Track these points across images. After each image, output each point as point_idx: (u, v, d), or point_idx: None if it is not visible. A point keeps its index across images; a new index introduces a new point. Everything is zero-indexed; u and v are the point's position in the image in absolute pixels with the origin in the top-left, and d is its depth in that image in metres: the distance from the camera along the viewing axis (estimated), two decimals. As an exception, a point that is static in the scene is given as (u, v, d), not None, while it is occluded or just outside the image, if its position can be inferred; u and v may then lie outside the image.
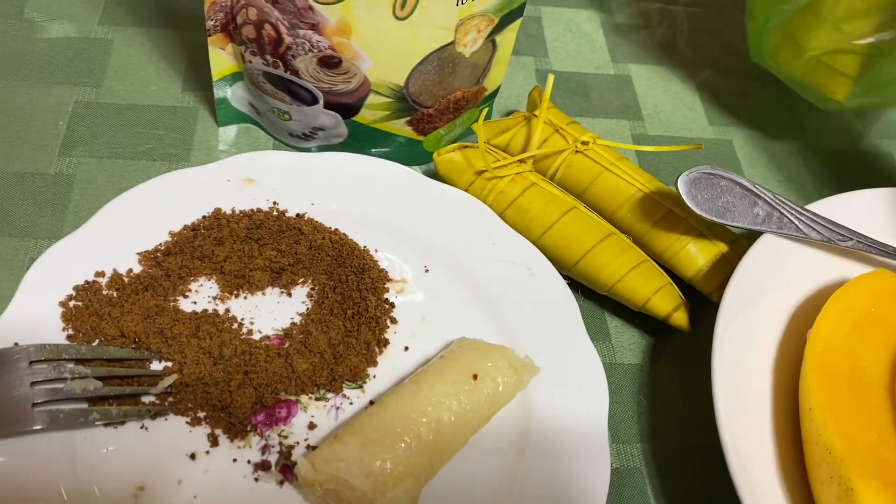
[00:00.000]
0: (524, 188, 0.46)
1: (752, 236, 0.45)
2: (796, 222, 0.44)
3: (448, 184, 0.48)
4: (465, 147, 0.48)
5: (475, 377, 0.38)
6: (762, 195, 0.44)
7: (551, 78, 0.48)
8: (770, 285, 0.44)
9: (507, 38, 0.48)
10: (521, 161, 0.47)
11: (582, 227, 0.45)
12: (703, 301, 0.46)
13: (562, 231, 0.45)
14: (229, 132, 0.51)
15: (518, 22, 0.47)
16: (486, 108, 0.53)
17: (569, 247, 0.45)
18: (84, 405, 0.36)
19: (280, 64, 0.45)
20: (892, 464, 0.37)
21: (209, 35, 0.46)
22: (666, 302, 0.44)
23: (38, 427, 0.34)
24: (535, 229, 0.46)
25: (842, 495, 0.35)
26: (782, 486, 0.38)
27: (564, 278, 0.44)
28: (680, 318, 0.44)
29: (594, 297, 0.47)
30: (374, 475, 0.34)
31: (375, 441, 0.35)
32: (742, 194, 0.44)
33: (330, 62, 0.44)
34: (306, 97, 0.47)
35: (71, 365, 0.37)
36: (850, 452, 0.36)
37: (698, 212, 0.43)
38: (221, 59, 0.48)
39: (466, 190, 0.47)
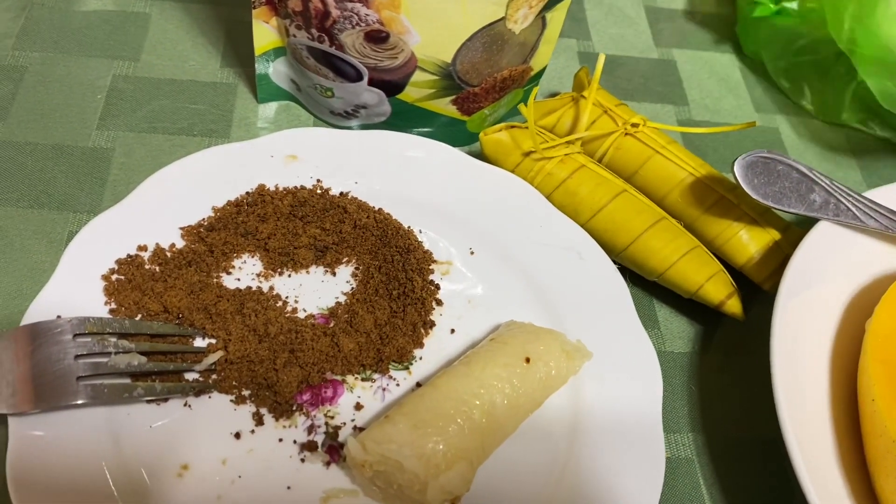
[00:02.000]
0: (573, 170, 0.45)
1: (805, 224, 0.44)
2: (854, 210, 0.43)
3: (494, 164, 0.46)
4: (513, 127, 0.47)
5: (528, 360, 0.37)
6: (819, 181, 0.43)
7: (602, 57, 0.47)
8: (826, 274, 0.43)
9: (557, 16, 0.46)
10: (569, 143, 0.46)
11: (632, 211, 0.44)
12: (753, 289, 0.45)
13: (611, 215, 0.44)
14: (269, 109, 0.50)
15: (568, 0, 0.46)
16: (536, 88, 0.51)
17: (618, 231, 0.44)
18: (128, 380, 0.35)
19: (325, 38, 0.44)
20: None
21: (254, 7, 0.45)
22: (719, 289, 0.43)
23: (82, 401, 0.34)
24: (583, 212, 0.44)
25: (909, 488, 0.34)
26: (843, 477, 0.37)
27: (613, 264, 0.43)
28: (734, 306, 0.42)
29: (641, 283, 0.46)
30: (427, 457, 0.33)
31: (427, 422, 0.34)
32: (799, 180, 0.43)
33: (377, 37, 0.43)
34: (351, 73, 0.46)
35: (114, 339, 0.36)
36: (918, 446, 0.35)
37: (755, 196, 0.41)
38: (265, 32, 0.47)
39: (513, 171, 0.46)
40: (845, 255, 0.43)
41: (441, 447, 0.33)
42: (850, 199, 0.43)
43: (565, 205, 0.45)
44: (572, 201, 0.45)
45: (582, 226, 0.44)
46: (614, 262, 0.44)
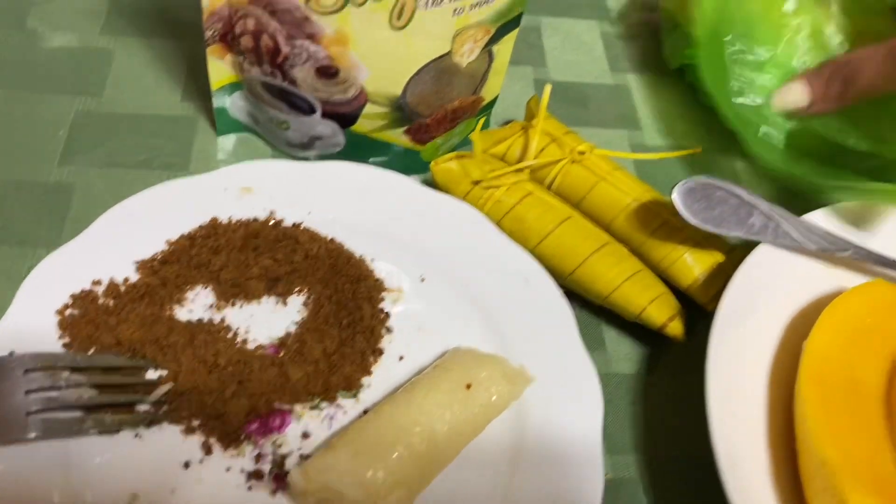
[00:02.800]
0: (521, 197, 0.46)
1: (749, 246, 0.45)
2: (792, 233, 0.44)
3: (446, 193, 0.48)
4: (463, 156, 0.48)
5: (468, 387, 0.38)
6: (758, 205, 0.44)
7: (548, 88, 0.49)
8: (766, 296, 0.44)
9: (504, 49, 0.48)
10: (518, 171, 0.48)
11: (579, 236, 0.45)
12: (701, 311, 0.46)
13: (558, 240, 0.45)
14: (228, 141, 0.51)
15: (514, 32, 0.47)
16: (484, 118, 0.53)
17: (565, 256, 0.45)
18: (79, 413, 0.36)
19: (278, 74, 0.45)
20: (886, 476, 0.36)
21: (207, 45, 0.46)
22: (662, 311, 0.44)
23: (33, 435, 0.35)
24: (531, 238, 0.46)
25: (835, 506, 0.35)
26: (776, 498, 0.38)
27: (561, 288, 0.44)
28: (675, 329, 0.44)
29: (590, 306, 0.47)
30: (366, 485, 0.34)
31: (368, 450, 0.35)
32: (738, 204, 0.44)
33: (327, 72, 0.45)
34: (304, 107, 0.47)
35: (66, 373, 0.37)
36: (844, 464, 0.36)
37: (694, 222, 0.43)
38: (220, 69, 0.48)
39: (463, 199, 0.47)
40: (785, 277, 0.45)
41: (380, 475, 0.34)
42: (789, 221, 0.45)
43: (514, 231, 0.46)
44: (520, 227, 0.46)
45: (530, 251, 0.46)
46: (563, 286, 0.45)
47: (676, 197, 0.43)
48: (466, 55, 0.45)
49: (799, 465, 0.38)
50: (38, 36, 0.54)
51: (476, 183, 0.47)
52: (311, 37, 0.43)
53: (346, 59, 0.44)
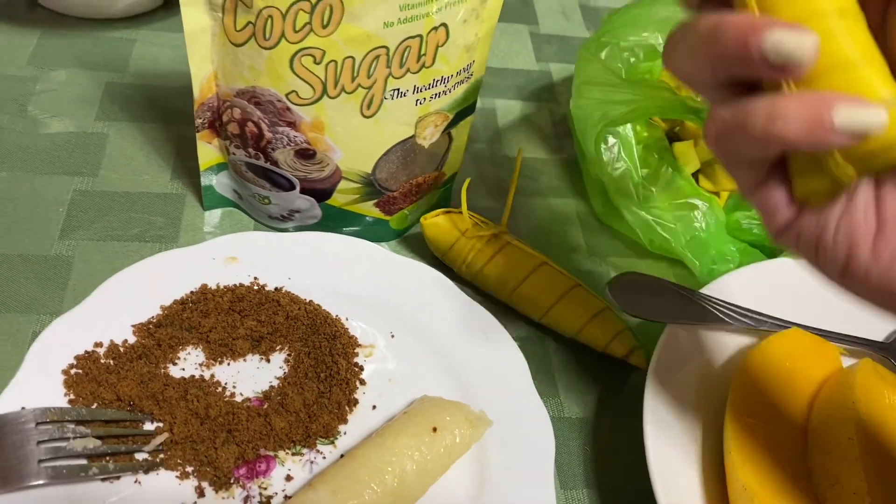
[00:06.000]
0: (500, 247, 0.53)
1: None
2: (720, 314, 0.50)
3: (433, 243, 0.54)
4: (450, 212, 0.54)
5: (434, 430, 0.43)
6: (685, 294, 0.50)
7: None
8: (694, 347, 0.49)
9: (462, 131, 0.54)
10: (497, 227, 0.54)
11: (549, 280, 0.52)
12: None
13: (533, 283, 0.52)
14: (214, 215, 0.57)
15: (471, 118, 0.54)
16: (468, 180, 0.58)
17: (539, 297, 0.52)
18: (84, 461, 0.40)
19: (261, 156, 0.51)
20: (800, 499, 0.42)
21: (198, 131, 0.52)
22: (623, 345, 0.51)
23: (43, 482, 0.39)
24: (510, 282, 0.52)
25: (756, 527, 0.40)
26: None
27: (538, 324, 0.51)
28: (637, 359, 0.50)
29: (544, 359, 0.52)
30: (344, 518, 0.38)
31: (345, 488, 0.39)
32: (666, 294, 0.50)
33: (305, 154, 0.50)
34: (284, 184, 0.52)
35: (73, 426, 0.41)
36: (762, 489, 0.41)
37: (627, 311, 0.49)
38: (208, 151, 0.54)
39: (450, 248, 0.53)
40: (711, 341, 0.51)
41: (357, 508, 0.39)
42: (713, 305, 0.50)
43: (495, 275, 0.53)
44: (501, 272, 0.52)
45: (511, 293, 0.52)
46: (539, 323, 0.52)
47: (611, 293, 0.49)
48: (428, 138, 0.52)
49: (728, 491, 0.43)
50: (39, 122, 0.60)
51: (463, 233, 0.53)
52: (291, 124, 0.49)
53: (323, 143, 0.50)
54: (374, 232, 0.56)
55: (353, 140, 0.50)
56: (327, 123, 0.49)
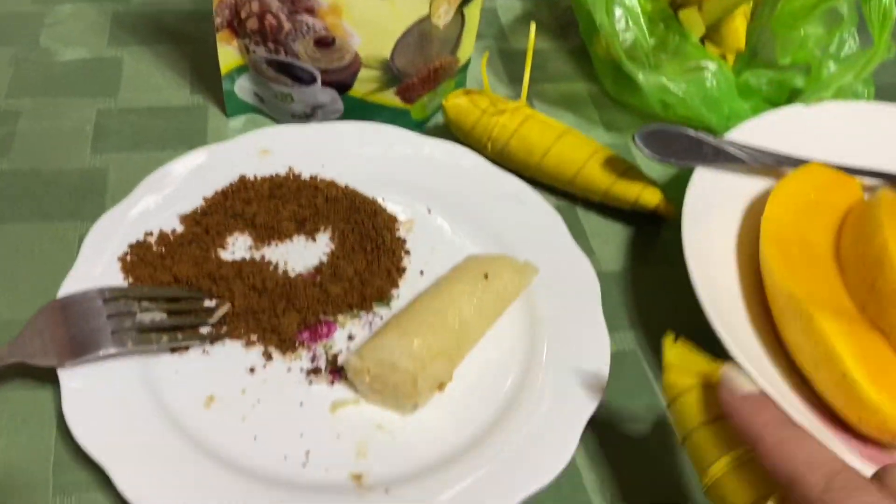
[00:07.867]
0: (522, 120, 0.54)
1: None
2: (740, 155, 0.51)
3: (456, 124, 0.55)
4: (470, 92, 0.55)
5: (486, 276, 0.44)
6: (705, 140, 0.51)
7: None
8: (722, 195, 0.51)
9: (474, 11, 0.55)
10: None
11: (574, 146, 0.53)
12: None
13: (559, 150, 0.53)
14: (238, 122, 0.58)
15: (481, -2, 0.55)
16: (486, 54, 0.59)
17: (565, 164, 0.53)
18: (153, 334, 0.42)
19: (281, 49, 0.52)
20: (843, 309, 0.43)
21: (217, 31, 0.53)
22: (653, 196, 0.52)
23: (115, 350, 0.40)
24: (535, 153, 0.53)
25: (805, 326, 0.41)
26: (754, 335, 0.45)
27: (566, 194, 0.53)
28: (667, 208, 0.52)
29: (574, 222, 0.54)
30: (414, 354, 0.40)
31: (410, 330, 0.41)
32: (689, 141, 0.51)
33: (325, 42, 0.51)
34: (306, 77, 0.53)
35: (137, 302, 0.42)
36: (808, 295, 0.43)
37: (656, 159, 0.50)
38: (228, 53, 0.54)
39: (473, 126, 0.54)
40: (737, 182, 0.52)
41: (425, 344, 0.40)
42: (735, 147, 0.52)
43: (519, 149, 0.54)
44: (525, 145, 0.54)
45: (536, 163, 0.54)
46: (567, 192, 0.54)
47: (639, 139, 0.50)
48: (443, 16, 0.53)
49: (770, 307, 0.45)
50: (53, 52, 0.60)
51: (483, 112, 0.54)
52: (309, 10, 0.50)
53: (341, 29, 0.51)
54: (395, 122, 0.57)
55: (370, 23, 0.51)
56: (345, 7, 0.49)
